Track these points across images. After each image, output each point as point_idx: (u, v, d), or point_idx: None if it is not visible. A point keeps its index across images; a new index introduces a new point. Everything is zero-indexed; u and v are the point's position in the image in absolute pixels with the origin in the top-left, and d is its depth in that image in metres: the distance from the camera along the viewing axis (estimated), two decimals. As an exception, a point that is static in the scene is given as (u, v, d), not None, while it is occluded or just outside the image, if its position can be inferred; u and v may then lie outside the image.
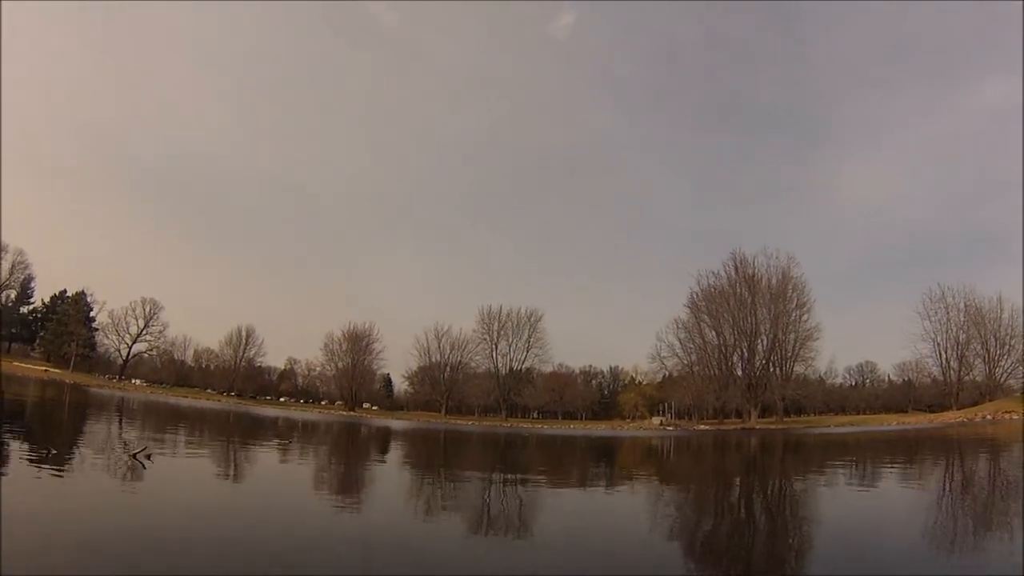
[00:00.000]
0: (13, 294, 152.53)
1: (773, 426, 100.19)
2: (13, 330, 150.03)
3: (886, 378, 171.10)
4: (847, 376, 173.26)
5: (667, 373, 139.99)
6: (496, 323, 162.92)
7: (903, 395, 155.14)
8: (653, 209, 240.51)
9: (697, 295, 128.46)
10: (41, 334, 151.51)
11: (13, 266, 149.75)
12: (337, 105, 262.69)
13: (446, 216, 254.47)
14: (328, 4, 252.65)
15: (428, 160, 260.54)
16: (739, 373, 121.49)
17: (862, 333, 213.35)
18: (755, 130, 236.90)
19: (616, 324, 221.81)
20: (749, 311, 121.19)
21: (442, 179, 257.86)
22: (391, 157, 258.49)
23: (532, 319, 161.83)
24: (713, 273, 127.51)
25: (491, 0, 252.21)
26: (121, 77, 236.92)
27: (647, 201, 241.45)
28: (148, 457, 12.85)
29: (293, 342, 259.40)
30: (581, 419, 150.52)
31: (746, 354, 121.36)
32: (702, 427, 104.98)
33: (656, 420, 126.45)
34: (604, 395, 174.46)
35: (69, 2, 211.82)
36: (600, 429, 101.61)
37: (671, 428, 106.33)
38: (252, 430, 39.04)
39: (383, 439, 42.42)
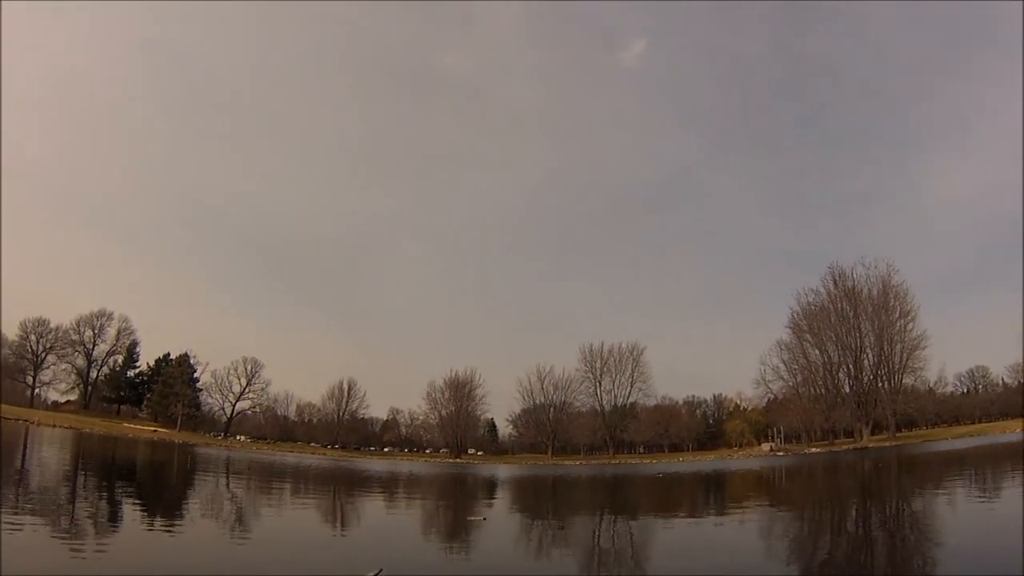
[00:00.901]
0: (120, 359, 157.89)
1: (886, 443, 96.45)
2: (121, 393, 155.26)
3: (1000, 381, 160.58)
4: (958, 383, 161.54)
5: (772, 397, 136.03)
6: (599, 360, 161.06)
7: (1021, 398, 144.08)
8: (742, 232, 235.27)
9: (798, 314, 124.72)
10: (148, 396, 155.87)
11: (119, 332, 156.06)
12: (420, 159, 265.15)
13: (536, 259, 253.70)
14: (402, 65, 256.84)
15: (510, 205, 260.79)
16: (846, 391, 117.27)
17: (970, 336, 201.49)
18: (837, 141, 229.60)
19: (717, 351, 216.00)
20: (852, 326, 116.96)
21: (528, 222, 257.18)
22: (475, 206, 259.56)
23: (634, 353, 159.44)
24: (812, 291, 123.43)
25: (558, 39, 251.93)
26: (215, 152, 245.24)
27: (735, 224, 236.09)
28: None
29: (395, 392, 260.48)
30: (688, 450, 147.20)
31: (852, 370, 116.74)
32: (813, 450, 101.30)
33: (765, 447, 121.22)
34: (709, 424, 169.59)
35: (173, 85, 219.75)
36: (708, 460, 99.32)
37: (781, 453, 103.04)
38: (360, 485, 38.87)
39: (491, 490, 41.77)
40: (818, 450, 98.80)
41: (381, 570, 11.57)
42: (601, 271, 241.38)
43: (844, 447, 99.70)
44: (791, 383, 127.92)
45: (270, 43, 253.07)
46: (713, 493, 33.38)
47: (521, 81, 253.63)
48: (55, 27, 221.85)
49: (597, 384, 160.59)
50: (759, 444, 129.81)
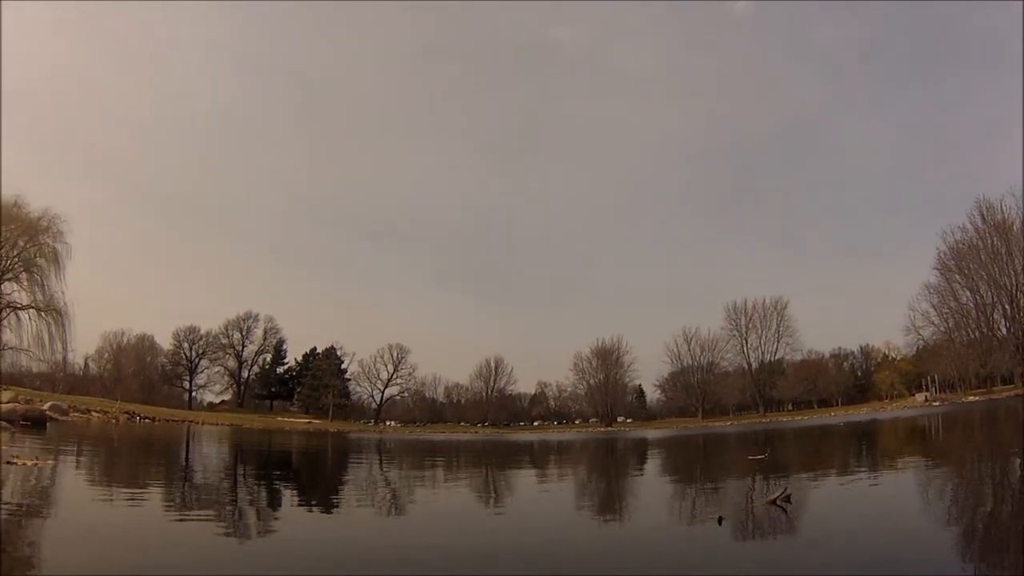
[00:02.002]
0: (269, 357, 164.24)
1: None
2: (272, 389, 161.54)
3: None
4: None
5: (922, 344, 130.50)
6: (743, 317, 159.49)
7: None
8: (877, 172, 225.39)
9: (945, 254, 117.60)
10: (298, 390, 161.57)
11: (265, 332, 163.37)
12: (543, 134, 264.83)
13: (669, 221, 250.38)
14: (514, 43, 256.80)
15: (640, 170, 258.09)
16: (1003, 333, 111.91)
17: None
18: (975, 66, 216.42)
19: (862, 300, 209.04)
20: (1005, 263, 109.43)
21: (656, 185, 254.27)
22: (601, 175, 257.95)
23: (778, 307, 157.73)
24: (959, 227, 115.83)
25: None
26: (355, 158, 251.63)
27: (870, 165, 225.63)
28: (788, 499, 12.73)
29: (541, 366, 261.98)
30: (837, 405, 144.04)
31: (1008, 311, 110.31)
32: (970, 398, 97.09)
33: (919, 397, 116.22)
34: (858, 377, 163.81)
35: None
36: (860, 413, 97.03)
37: (936, 403, 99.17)
38: (510, 455, 39.38)
39: (641, 451, 41.80)
40: (976, 398, 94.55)
41: (786, 488, 11.76)
42: (736, 226, 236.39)
43: (1004, 394, 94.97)
44: (942, 328, 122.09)
45: (385, 41, 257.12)
46: (866, 448, 32.53)
47: (634, 45, 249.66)
48: (198, 53, 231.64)
49: (743, 342, 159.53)
50: (911, 395, 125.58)
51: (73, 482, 14.49)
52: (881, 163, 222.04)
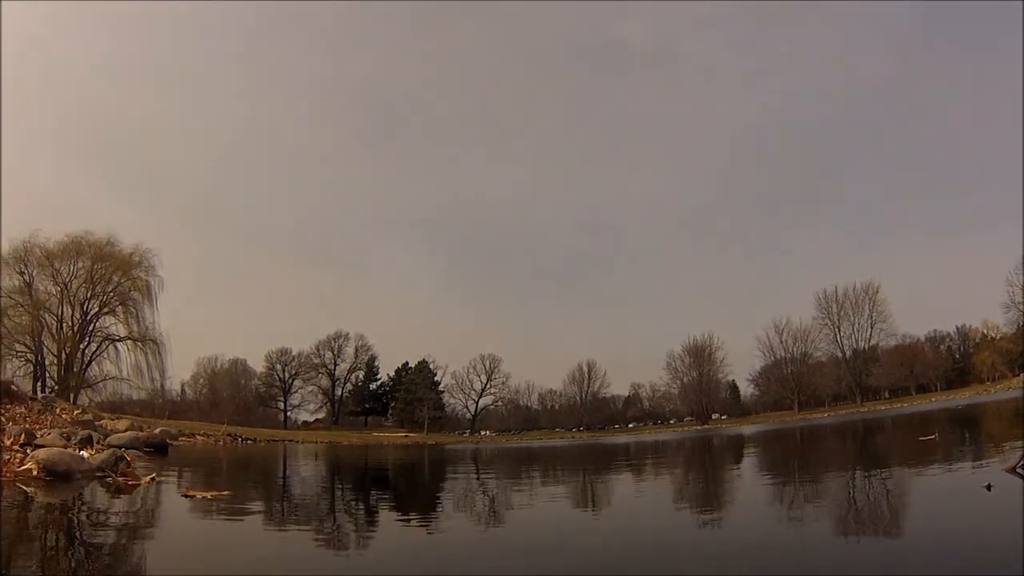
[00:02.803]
0: (361, 374, 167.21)
1: None
2: (366, 405, 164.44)
3: None
4: None
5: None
6: (834, 304, 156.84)
7: None
8: (961, 139, 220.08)
9: None
10: (392, 404, 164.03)
11: (357, 349, 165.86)
12: (619, 131, 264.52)
13: (754, 212, 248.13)
14: (581, 45, 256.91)
15: (715, 163, 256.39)
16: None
17: None
18: None
19: (954, 278, 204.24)
20: None
21: (734, 175, 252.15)
22: (681, 171, 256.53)
23: (870, 292, 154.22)
24: None
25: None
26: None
27: (952, 134, 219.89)
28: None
29: (633, 368, 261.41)
30: (935, 390, 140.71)
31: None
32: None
33: None
34: (955, 360, 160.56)
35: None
36: (961, 398, 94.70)
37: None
38: (607, 461, 39.47)
39: (739, 449, 41.50)
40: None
41: None
42: (819, 212, 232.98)
43: None
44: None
45: (456, 53, 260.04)
46: (969, 433, 31.81)
47: (702, 35, 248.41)
48: (277, 86, 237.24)
49: (836, 330, 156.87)
50: (1015, 375, 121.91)
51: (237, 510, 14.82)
52: (968, 133, 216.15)
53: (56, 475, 15.68)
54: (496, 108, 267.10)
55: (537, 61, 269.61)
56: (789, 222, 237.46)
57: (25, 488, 14.28)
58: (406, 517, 14.91)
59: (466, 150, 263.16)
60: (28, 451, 18.32)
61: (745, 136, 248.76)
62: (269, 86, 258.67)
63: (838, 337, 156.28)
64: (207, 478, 23.18)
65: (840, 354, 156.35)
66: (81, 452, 19.96)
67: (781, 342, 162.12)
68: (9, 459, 16.16)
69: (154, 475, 17.54)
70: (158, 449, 39.01)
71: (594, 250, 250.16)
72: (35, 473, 15.28)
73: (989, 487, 11.12)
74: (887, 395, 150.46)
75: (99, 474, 17.04)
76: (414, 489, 23.20)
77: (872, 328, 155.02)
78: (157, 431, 47.55)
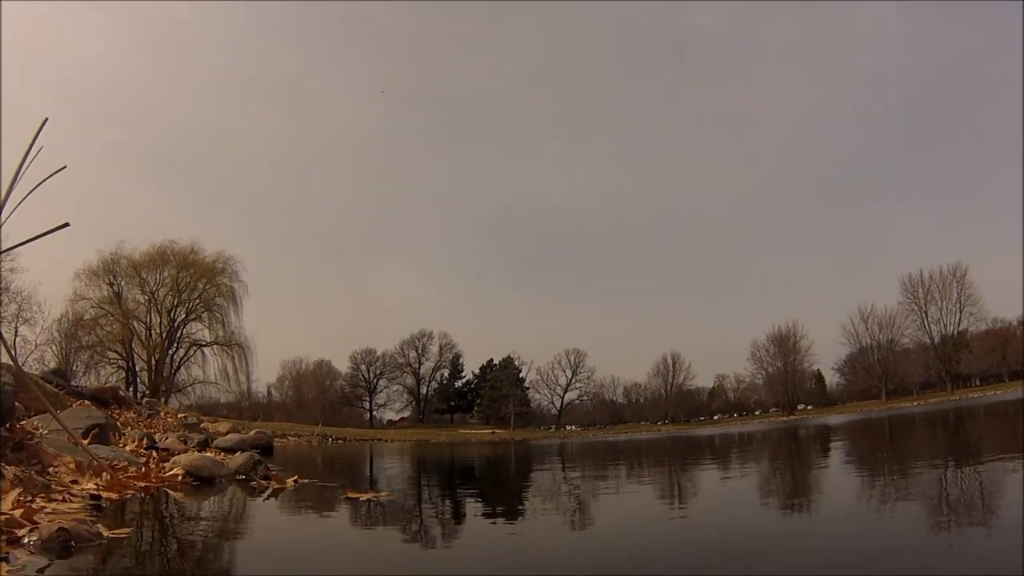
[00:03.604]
0: (446, 372, 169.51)
1: None
2: (452, 402, 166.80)
3: None
4: None
5: None
6: (921, 289, 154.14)
7: None
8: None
9: None
10: (477, 401, 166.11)
11: (441, 348, 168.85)
12: (696, 124, 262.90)
13: (834, 190, 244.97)
14: (653, 33, 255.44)
15: (797, 146, 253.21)
16: None
17: None
18: None
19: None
20: None
21: (815, 157, 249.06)
22: (759, 159, 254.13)
23: (957, 275, 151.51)
24: None
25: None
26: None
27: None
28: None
29: (718, 359, 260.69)
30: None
31: None
32: None
33: None
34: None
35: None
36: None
37: None
38: (691, 451, 39.36)
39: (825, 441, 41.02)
40: None
41: None
42: (901, 189, 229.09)
43: None
44: None
45: (524, 47, 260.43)
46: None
47: (771, 25, 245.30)
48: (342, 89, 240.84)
49: (923, 315, 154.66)
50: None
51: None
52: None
53: (200, 479, 16.19)
54: (566, 103, 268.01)
55: (607, 54, 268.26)
56: (870, 205, 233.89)
57: (172, 492, 14.77)
58: (492, 512, 15.10)
59: (537, 146, 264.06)
60: (153, 453, 18.95)
61: (822, 117, 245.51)
62: (337, 87, 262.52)
63: (926, 322, 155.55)
64: (327, 476, 23.63)
65: (928, 340, 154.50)
66: (220, 456, 20.53)
67: (867, 329, 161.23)
68: (153, 464, 16.79)
69: (296, 476, 18.01)
70: (264, 450, 40.00)
71: (673, 242, 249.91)
72: (181, 478, 15.81)
73: None
74: (978, 382, 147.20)
75: (239, 477, 17.55)
76: (503, 485, 23.47)
77: (961, 312, 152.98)
78: (252, 432, 48.70)
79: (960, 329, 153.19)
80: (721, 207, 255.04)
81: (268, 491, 16.13)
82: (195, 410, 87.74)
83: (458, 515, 14.38)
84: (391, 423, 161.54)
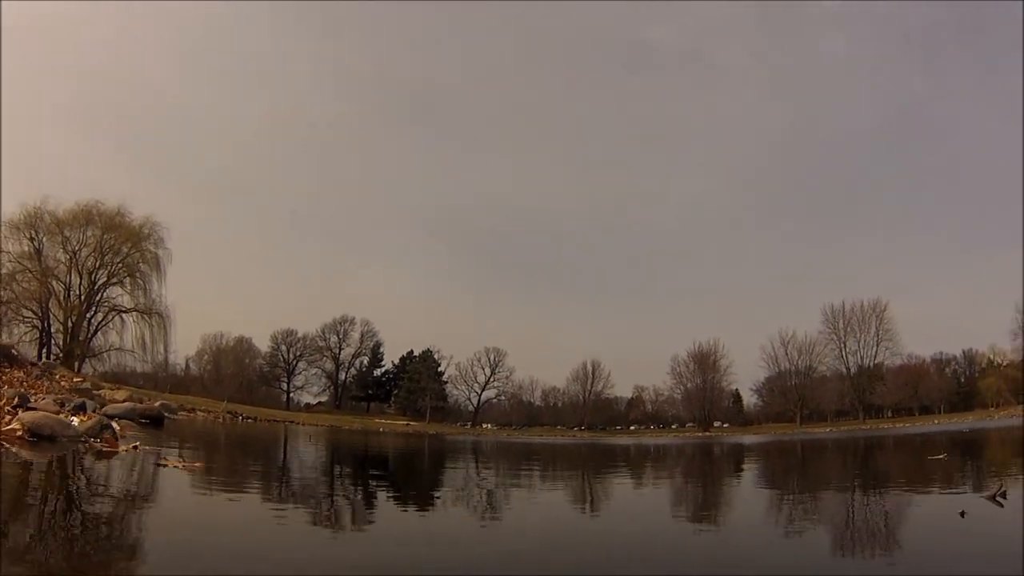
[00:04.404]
0: (366, 359, 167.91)
1: None
2: (369, 391, 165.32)
3: None
4: None
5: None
6: (841, 320, 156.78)
7: None
8: (983, 164, 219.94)
9: None
10: (395, 392, 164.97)
11: (363, 335, 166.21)
12: (645, 133, 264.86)
13: (771, 220, 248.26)
14: (613, 44, 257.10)
15: (741, 169, 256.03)
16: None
17: None
18: None
19: (964, 301, 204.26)
20: None
21: (757, 182, 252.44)
22: (705, 174, 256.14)
23: (877, 310, 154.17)
24: None
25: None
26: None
27: (974, 156, 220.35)
28: (1004, 495, 13.11)
29: (638, 370, 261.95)
30: (939, 412, 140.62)
31: None
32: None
33: None
34: (961, 383, 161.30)
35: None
36: (965, 422, 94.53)
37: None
38: (606, 460, 39.57)
39: (739, 460, 41.56)
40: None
41: (1003, 485, 12.09)
42: (834, 225, 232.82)
43: None
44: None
45: (486, 45, 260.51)
46: (972, 460, 31.80)
47: (729, 44, 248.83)
48: (302, 69, 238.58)
49: (842, 346, 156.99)
50: (1019, 403, 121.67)
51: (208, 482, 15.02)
52: (985, 155, 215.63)
53: (40, 437, 16.19)
54: (522, 106, 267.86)
55: (566, 61, 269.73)
56: (803, 234, 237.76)
57: (8, 446, 14.70)
58: (401, 505, 14.98)
59: (488, 146, 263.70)
60: (19, 412, 18.65)
61: (770, 144, 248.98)
62: (298, 73, 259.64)
63: (843, 352, 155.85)
64: (196, 452, 23.34)
65: (845, 370, 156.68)
66: (72, 418, 20.25)
67: (786, 354, 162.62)
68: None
69: (136, 444, 17.85)
70: (154, 421, 39.28)
71: (607, 249, 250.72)
72: (19, 433, 15.67)
73: (963, 514, 11.19)
74: (890, 414, 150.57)
75: (83, 440, 17.44)
76: (411, 479, 23.34)
77: (878, 346, 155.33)
78: (157, 404, 47.80)
79: (876, 362, 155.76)
80: (660, 219, 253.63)
81: (95, 453, 16.23)
82: (110, 377, 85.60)
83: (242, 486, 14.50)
84: (308, 407, 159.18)
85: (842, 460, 34.81)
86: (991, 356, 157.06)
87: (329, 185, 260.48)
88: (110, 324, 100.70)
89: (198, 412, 70.85)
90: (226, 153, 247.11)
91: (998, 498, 12.46)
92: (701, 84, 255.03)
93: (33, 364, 44.22)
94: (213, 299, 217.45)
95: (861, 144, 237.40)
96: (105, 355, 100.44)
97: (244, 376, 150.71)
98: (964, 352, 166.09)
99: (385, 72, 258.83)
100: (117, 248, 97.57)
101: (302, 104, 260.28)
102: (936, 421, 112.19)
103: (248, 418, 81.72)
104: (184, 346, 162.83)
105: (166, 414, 45.91)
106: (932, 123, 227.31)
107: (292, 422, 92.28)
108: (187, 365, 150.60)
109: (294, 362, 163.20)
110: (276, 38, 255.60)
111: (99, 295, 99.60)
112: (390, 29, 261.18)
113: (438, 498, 16.53)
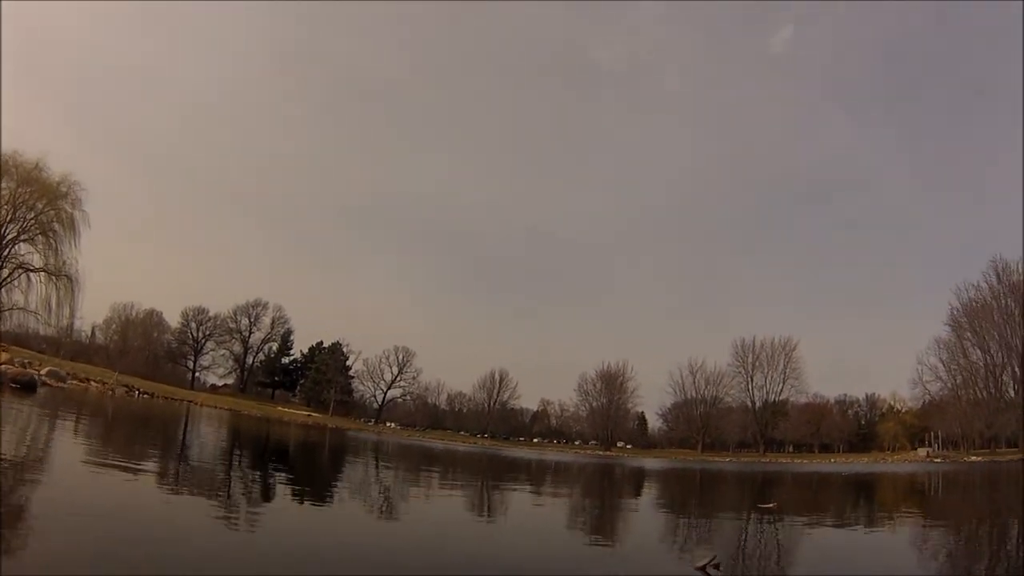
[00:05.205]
0: (275, 346, 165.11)
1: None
2: (276, 378, 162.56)
3: None
4: None
5: (929, 399, 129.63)
6: (751, 355, 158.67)
7: None
8: (903, 221, 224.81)
9: (958, 311, 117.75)
10: (301, 382, 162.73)
11: (274, 321, 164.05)
12: (575, 152, 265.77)
13: (687, 249, 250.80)
14: (557, 60, 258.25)
15: (666, 195, 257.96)
16: (1011, 395, 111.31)
17: None
18: (998, 125, 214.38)
19: (871, 348, 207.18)
20: (1018, 324, 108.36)
21: (680, 210, 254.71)
22: (636, 196, 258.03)
23: (787, 348, 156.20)
24: (973, 285, 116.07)
25: (706, 26, 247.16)
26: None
27: (893, 213, 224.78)
28: (716, 566, 12.56)
29: (546, 384, 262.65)
30: (839, 451, 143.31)
31: (1018, 374, 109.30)
32: (973, 458, 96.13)
33: (921, 451, 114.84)
34: (861, 425, 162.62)
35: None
36: (861, 463, 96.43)
37: (938, 460, 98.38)
38: (507, 471, 39.28)
39: (639, 483, 41.57)
40: (979, 459, 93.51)
41: (715, 556, 11.66)
42: (753, 262, 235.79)
43: (1008, 457, 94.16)
44: (950, 385, 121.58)
45: (424, 42, 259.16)
46: (865, 498, 32.35)
47: (671, 72, 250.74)
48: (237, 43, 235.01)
49: (749, 379, 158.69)
50: (914, 448, 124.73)
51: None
52: (905, 209, 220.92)
53: None
54: (454, 102, 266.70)
55: (511, 70, 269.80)
56: (722, 267, 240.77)
57: None
58: (296, 500, 14.50)
59: (425, 145, 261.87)
60: None
61: (696, 174, 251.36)
62: (245, 51, 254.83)
63: (750, 386, 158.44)
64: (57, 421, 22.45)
65: (750, 403, 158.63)
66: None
67: (694, 383, 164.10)
68: None
69: None
70: (25, 387, 38.02)
71: (527, 259, 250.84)
72: None
73: None
74: (791, 449, 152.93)
75: None
76: (307, 476, 22.73)
77: (784, 383, 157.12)
78: (45, 370, 46.33)
79: (781, 398, 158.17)
80: (589, 234, 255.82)
81: None
82: (9, 338, 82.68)
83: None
84: (213, 388, 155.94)
85: (740, 490, 35.06)
86: (892, 402, 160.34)
87: (265, 168, 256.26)
88: (15, 282, 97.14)
89: (92, 383, 68.59)
90: (159, 121, 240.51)
91: (708, 569, 12.27)
92: (635, 107, 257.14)
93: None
94: (128, 268, 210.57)
95: (784, 186, 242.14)
96: (6, 314, 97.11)
97: (151, 350, 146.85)
98: (867, 396, 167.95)
99: (315, 57, 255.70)
100: (31, 204, 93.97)
101: (248, 84, 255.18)
102: (833, 460, 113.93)
103: (145, 393, 79.54)
104: (92, 314, 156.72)
105: (52, 382, 44.48)
106: (854, 174, 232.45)
107: (191, 402, 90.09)
108: (93, 333, 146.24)
109: (203, 341, 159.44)
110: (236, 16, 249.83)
111: (6, 251, 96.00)
112: (325, 16, 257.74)
113: (323, 506, 15.97)
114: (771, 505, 23.75)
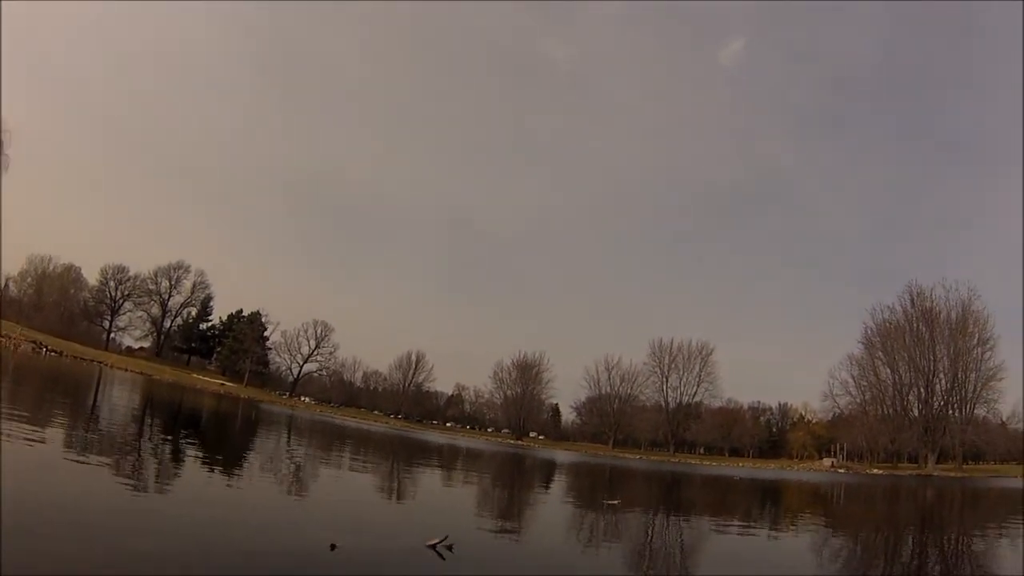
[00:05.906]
0: (194, 311, 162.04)
1: (952, 473, 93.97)
2: (193, 344, 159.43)
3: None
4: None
5: (838, 412, 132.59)
6: (667, 356, 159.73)
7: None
8: (829, 241, 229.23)
9: (871, 330, 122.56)
10: (218, 350, 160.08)
11: (194, 285, 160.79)
12: (517, 145, 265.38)
13: (615, 250, 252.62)
14: (507, 54, 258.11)
15: (603, 194, 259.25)
16: (915, 414, 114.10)
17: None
18: (937, 156, 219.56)
19: (786, 359, 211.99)
20: (927, 348, 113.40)
21: (613, 213, 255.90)
22: (568, 194, 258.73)
23: (703, 352, 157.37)
24: (888, 307, 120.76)
25: (657, 33, 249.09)
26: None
27: (820, 232, 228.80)
28: (449, 548, 12.39)
29: (462, 368, 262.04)
30: (748, 456, 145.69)
31: (923, 394, 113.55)
32: (875, 471, 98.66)
33: (827, 462, 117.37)
34: (772, 433, 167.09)
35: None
36: (769, 469, 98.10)
37: (842, 471, 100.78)
38: (419, 455, 39.21)
39: (549, 474, 41.77)
40: (880, 472, 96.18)
41: (447, 536, 11.63)
42: (681, 267, 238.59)
43: (907, 472, 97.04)
44: (859, 400, 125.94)
45: (379, 31, 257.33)
46: (771, 504, 32.99)
47: (620, 76, 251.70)
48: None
49: (664, 380, 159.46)
50: (820, 458, 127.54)
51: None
52: (833, 230, 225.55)
53: None
54: (403, 90, 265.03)
55: (459, 57, 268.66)
56: (650, 268, 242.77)
57: None
58: (207, 471, 14.29)
59: (358, 122, 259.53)
60: None
61: (635, 177, 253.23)
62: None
63: (665, 387, 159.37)
64: None
65: (663, 403, 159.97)
66: None
67: (609, 379, 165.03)
68: None
69: None
70: None
71: (461, 245, 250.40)
72: None
73: (333, 547, 10.54)
74: (702, 451, 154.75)
75: None
76: (218, 450, 22.42)
77: (699, 385, 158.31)
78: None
79: (695, 400, 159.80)
80: (516, 228, 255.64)
81: None
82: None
83: None
84: (129, 350, 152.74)
85: (648, 488, 35.44)
86: (803, 412, 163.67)
87: (197, 132, 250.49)
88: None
89: (-4, 338, 66.87)
90: (95, 72, 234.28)
91: (438, 548, 12.43)
92: (578, 108, 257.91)
93: None
94: (51, 218, 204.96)
95: (715, 197, 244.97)
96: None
97: (66, 307, 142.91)
98: (780, 404, 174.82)
99: (270, 32, 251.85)
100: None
101: (195, 38, 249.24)
102: (741, 464, 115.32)
103: (53, 351, 77.59)
104: (8, 265, 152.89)
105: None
106: (786, 190, 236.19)
107: (103, 364, 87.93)
108: (6, 285, 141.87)
109: (120, 301, 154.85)
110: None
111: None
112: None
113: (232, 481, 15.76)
114: (615, 502, 24.31)
